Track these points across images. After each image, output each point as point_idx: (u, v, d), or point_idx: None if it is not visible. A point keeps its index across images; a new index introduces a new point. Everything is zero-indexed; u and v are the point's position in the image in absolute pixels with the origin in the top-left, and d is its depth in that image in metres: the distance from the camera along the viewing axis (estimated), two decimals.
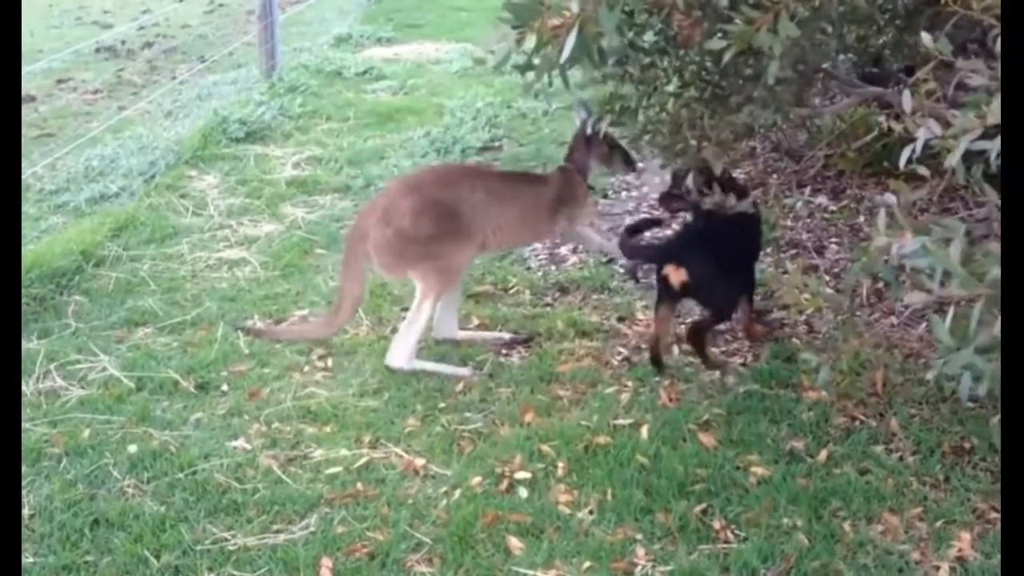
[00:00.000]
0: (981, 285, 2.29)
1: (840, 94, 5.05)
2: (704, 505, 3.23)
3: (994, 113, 2.30)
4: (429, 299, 4.05)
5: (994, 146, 2.32)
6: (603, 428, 3.64)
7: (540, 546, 3.08)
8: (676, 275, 3.92)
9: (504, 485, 3.37)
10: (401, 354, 4.06)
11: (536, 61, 2.66)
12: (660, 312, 4.06)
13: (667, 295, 4.00)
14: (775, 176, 5.85)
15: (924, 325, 4.16)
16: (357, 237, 4.14)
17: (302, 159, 6.63)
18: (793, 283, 4.53)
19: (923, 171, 2.66)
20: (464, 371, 4.07)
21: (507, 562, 3.03)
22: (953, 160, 2.38)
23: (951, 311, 2.36)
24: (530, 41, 2.59)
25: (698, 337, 4.01)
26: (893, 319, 4.27)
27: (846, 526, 3.13)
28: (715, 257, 3.93)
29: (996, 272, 2.26)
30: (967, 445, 3.49)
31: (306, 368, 4.13)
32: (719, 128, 4.17)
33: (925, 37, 2.59)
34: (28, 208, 5.86)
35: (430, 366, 4.09)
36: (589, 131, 4.31)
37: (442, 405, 3.85)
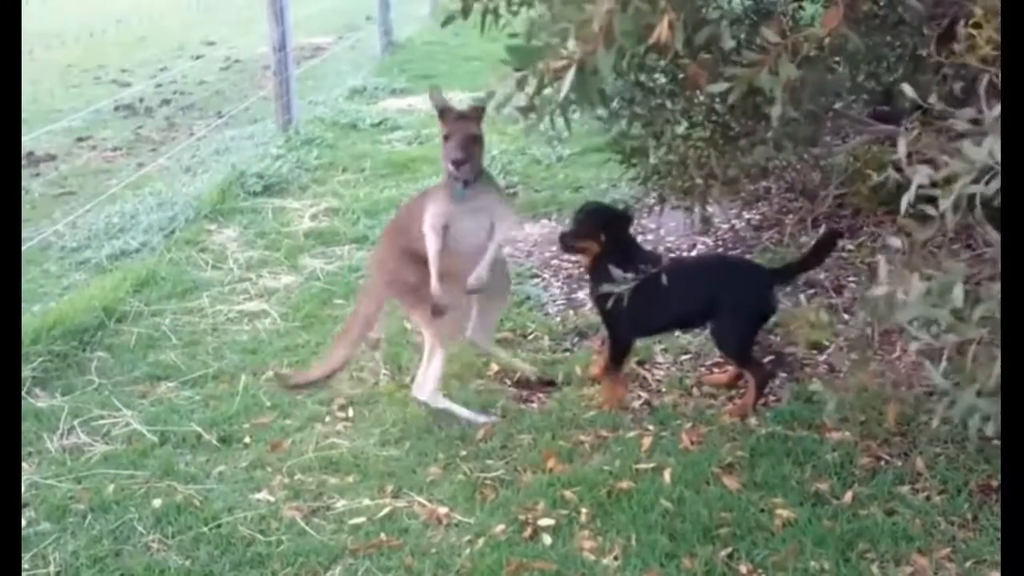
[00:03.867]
0: (971, 326, 2.29)
1: (852, 133, 5.08)
2: (730, 549, 3.21)
3: (988, 155, 2.31)
4: (438, 348, 4.05)
5: (990, 189, 2.32)
6: (626, 473, 3.63)
7: None
8: None
9: (528, 532, 3.36)
10: (426, 388, 4.07)
11: (536, 103, 2.68)
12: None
13: None
14: (790, 216, 5.86)
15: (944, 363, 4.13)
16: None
17: (319, 211, 6.69)
18: (807, 321, 4.56)
19: (931, 211, 2.66)
20: (482, 417, 4.07)
21: None
22: (946, 205, 2.39)
23: (944, 355, 2.36)
24: (531, 83, 2.62)
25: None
26: (915, 356, 4.25)
27: (874, 568, 3.11)
28: None
29: (984, 310, 2.26)
30: (994, 483, 3.46)
31: (327, 419, 4.14)
32: (726, 166, 4.20)
33: (906, 88, 2.60)
34: (50, 266, 5.92)
35: (454, 408, 4.08)
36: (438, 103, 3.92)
37: (463, 453, 3.85)
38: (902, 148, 2.56)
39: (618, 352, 4.11)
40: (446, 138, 3.86)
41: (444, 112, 3.89)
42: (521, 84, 2.61)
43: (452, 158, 3.80)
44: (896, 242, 2.57)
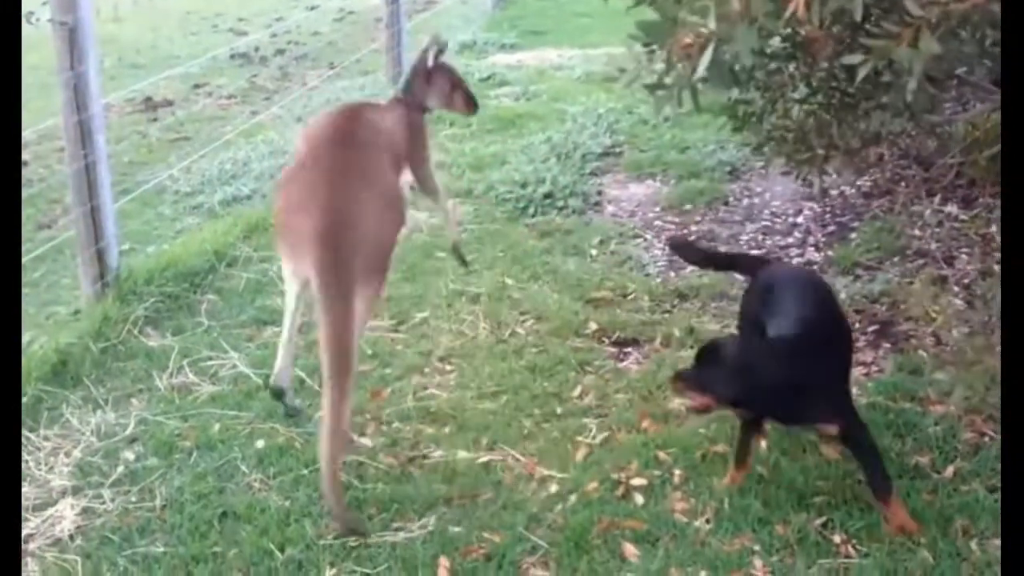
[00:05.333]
0: None
1: (974, 100, 4.91)
2: (824, 518, 3.18)
3: None
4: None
5: None
6: (721, 437, 3.61)
7: (656, 553, 3.08)
8: None
9: (620, 491, 3.37)
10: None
11: (668, 80, 2.62)
12: None
13: None
14: (903, 184, 5.71)
15: None
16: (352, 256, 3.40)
17: None
18: (921, 294, 4.44)
19: None
20: None
21: (622, 568, 3.04)
22: None
23: None
24: (660, 61, 2.56)
25: None
26: None
27: (973, 545, 3.04)
28: None
29: None
30: None
31: (426, 370, 4.20)
32: (847, 136, 4.08)
33: None
34: (164, 208, 6.11)
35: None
36: (431, 63, 3.92)
37: (559, 410, 3.87)
38: None
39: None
40: (455, 86, 4.00)
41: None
42: (651, 60, 2.55)
43: (475, 103, 4.13)
44: None
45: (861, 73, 2.68)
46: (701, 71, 2.45)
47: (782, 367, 3.02)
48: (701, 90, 2.64)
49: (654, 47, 2.54)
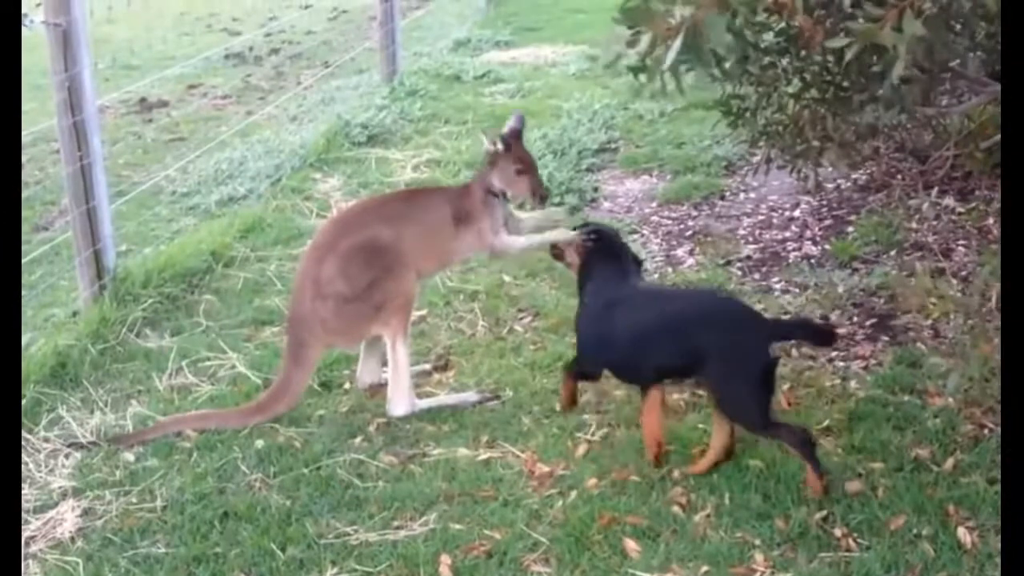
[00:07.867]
0: None
1: (969, 93, 4.91)
2: (825, 512, 3.18)
3: None
4: (399, 339, 3.82)
5: None
6: None
7: (656, 548, 3.08)
8: None
9: (620, 487, 3.37)
10: (401, 402, 3.86)
11: (648, 62, 2.64)
12: None
13: None
14: (899, 177, 5.73)
15: None
16: (302, 326, 3.89)
17: (421, 162, 6.73)
18: (920, 286, 4.44)
19: None
20: (471, 396, 3.96)
21: (623, 564, 3.04)
22: None
23: None
24: (643, 43, 2.57)
25: None
26: None
27: (974, 537, 3.05)
28: None
29: None
30: None
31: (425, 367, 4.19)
32: (842, 129, 4.08)
33: None
34: (161, 209, 6.11)
35: (433, 401, 3.94)
36: (488, 146, 3.95)
37: (558, 406, 3.87)
38: None
39: (575, 375, 3.78)
40: (520, 172, 3.95)
41: (510, 144, 3.97)
42: (632, 43, 2.57)
43: (541, 193, 4.04)
44: None
45: (848, 55, 2.69)
46: (672, 56, 2.47)
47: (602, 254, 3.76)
48: (685, 75, 2.66)
49: (641, 30, 2.55)
